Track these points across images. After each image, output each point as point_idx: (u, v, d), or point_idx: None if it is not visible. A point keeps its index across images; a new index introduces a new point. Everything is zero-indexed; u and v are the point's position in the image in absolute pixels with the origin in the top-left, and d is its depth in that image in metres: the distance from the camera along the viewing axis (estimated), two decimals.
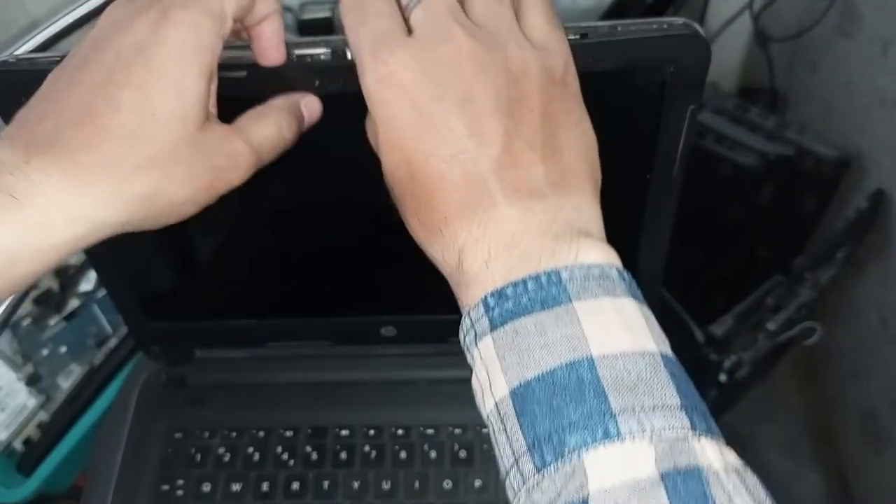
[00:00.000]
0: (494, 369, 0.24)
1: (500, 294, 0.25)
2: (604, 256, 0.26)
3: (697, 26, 0.31)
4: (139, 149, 0.26)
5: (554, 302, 0.24)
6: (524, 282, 0.25)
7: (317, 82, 0.32)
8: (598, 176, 0.29)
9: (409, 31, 0.27)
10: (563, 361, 0.23)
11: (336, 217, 0.47)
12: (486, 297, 0.25)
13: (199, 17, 0.27)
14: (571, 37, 0.31)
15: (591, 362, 0.23)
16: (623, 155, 0.36)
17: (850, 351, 0.64)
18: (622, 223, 0.45)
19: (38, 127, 0.26)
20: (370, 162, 0.43)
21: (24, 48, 0.51)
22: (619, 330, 0.24)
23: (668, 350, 0.25)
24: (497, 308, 0.25)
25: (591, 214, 0.28)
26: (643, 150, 0.37)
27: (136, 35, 0.26)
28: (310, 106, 0.32)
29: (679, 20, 0.32)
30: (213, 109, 0.29)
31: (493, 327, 0.25)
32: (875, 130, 0.58)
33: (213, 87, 0.29)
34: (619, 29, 0.32)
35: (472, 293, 0.26)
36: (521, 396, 0.23)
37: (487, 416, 0.25)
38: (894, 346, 0.58)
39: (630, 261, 0.45)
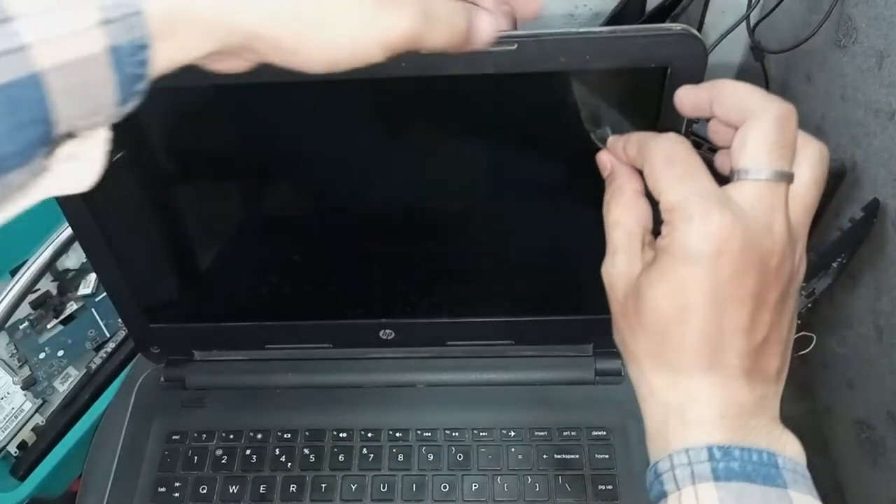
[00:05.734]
0: None
1: (726, 451, 0.28)
2: (801, 454, 0.30)
3: (694, 31, 0.32)
4: None
5: (773, 482, 0.28)
6: (750, 451, 0.28)
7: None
8: None
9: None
10: None
11: (335, 221, 0.47)
12: (712, 447, 0.28)
13: None
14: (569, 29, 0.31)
15: None
16: None
17: (844, 361, 0.65)
18: None
19: None
20: (371, 166, 0.44)
21: None
22: None
23: None
24: (723, 462, 0.28)
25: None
26: None
27: None
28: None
29: (677, 26, 0.32)
30: None
31: (717, 478, 0.28)
32: (870, 142, 0.59)
33: None
34: (617, 33, 0.32)
35: (691, 432, 0.29)
36: None
37: None
38: (889, 356, 0.58)
39: None
